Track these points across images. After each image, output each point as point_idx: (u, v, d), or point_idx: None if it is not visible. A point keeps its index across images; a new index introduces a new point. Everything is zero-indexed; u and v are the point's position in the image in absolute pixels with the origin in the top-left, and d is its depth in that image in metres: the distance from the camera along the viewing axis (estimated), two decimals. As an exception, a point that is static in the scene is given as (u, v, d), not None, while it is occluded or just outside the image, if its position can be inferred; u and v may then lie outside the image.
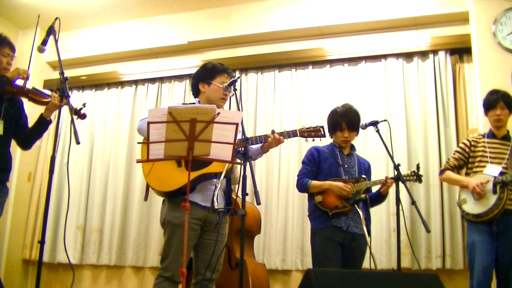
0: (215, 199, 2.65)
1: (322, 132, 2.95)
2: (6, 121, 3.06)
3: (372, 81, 4.76)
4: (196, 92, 2.93)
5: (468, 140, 3.40)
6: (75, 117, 3.01)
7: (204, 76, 2.88)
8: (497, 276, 3.11)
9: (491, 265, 3.06)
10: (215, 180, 2.67)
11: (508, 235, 3.06)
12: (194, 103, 2.84)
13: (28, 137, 3.19)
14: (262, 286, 3.82)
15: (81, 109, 3.08)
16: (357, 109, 3.37)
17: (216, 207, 2.65)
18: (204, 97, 2.87)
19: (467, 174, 3.34)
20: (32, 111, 3.29)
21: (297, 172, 3.40)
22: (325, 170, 3.26)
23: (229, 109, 3.18)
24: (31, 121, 3.20)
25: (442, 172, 3.42)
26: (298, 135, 2.89)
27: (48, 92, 3.13)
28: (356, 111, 3.32)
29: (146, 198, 2.74)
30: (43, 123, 3.12)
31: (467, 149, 3.33)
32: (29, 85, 3.06)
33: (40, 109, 3.13)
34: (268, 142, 2.78)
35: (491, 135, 3.31)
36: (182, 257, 2.53)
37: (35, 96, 3.09)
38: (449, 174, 3.34)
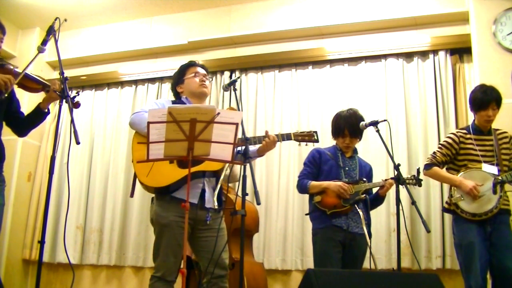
0: (214, 198, 2.65)
1: (316, 138, 2.87)
2: None
3: (372, 81, 4.77)
4: (178, 97, 2.92)
5: (455, 135, 3.27)
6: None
7: (177, 79, 2.93)
8: (491, 271, 3.07)
9: (487, 266, 3.05)
10: (203, 178, 2.66)
11: (501, 228, 3.06)
12: (184, 102, 2.82)
13: (23, 125, 2.98)
14: (258, 286, 3.79)
15: (74, 97, 2.81)
16: (362, 114, 3.32)
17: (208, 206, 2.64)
18: (186, 94, 2.87)
19: (451, 169, 3.28)
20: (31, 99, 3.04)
21: (297, 173, 3.40)
22: (325, 172, 3.26)
23: (229, 109, 3.17)
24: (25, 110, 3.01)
25: (428, 166, 3.29)
26: (293, 138, 2.85)
27: (41, 79, 2.89)
28: (360, 117, 3.28)
29: (132, 195, 2.72)
30: (40, 114, 2.93)
31: (455, 145, 3.23)
32: (19, 69, 2.81)
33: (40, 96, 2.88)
34: (265, 143, 2.70)
35: (477, 131, 3.24)
36: (172, 257, 2.54)
37: (25, 82, 2.83)
38: (438, 170, 3.25)
